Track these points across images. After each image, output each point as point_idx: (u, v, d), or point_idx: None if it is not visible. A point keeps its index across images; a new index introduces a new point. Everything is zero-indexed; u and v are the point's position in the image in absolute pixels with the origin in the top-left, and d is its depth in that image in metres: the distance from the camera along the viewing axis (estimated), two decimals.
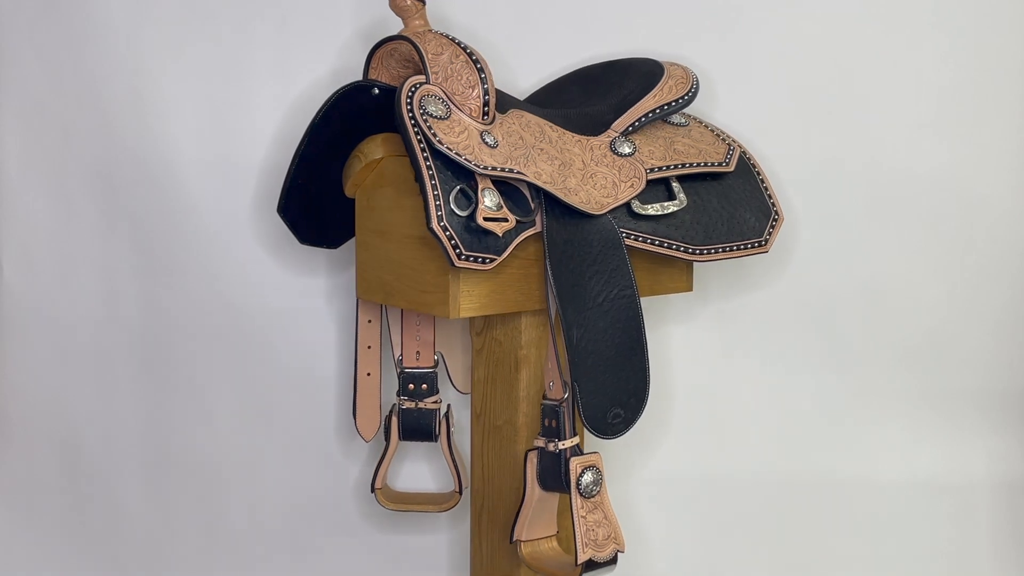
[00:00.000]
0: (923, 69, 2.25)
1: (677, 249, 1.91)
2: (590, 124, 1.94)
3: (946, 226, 2.28)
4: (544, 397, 1.84)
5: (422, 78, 1.81)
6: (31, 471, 2.34)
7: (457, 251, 1.73)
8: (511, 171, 1.78)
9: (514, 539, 1.86)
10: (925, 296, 2.30)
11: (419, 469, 2.30)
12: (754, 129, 2.17)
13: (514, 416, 1.91)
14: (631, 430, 1.82)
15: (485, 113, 1.82)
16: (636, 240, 1.88)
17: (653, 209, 1.90)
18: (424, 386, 2.09)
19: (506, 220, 1.76)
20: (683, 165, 1.94)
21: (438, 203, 1.73)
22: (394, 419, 2.09)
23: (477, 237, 1.74)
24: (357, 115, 1.88)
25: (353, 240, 2.04)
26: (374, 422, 2.11)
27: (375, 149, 1.90)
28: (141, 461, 2.31)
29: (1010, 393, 2.34)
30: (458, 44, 1.83)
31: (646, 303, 1.88)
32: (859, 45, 2.24)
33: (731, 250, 1.96)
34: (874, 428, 2.34)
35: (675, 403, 2.32)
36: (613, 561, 1.82)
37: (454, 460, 2.11)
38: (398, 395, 2.09)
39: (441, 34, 1.85)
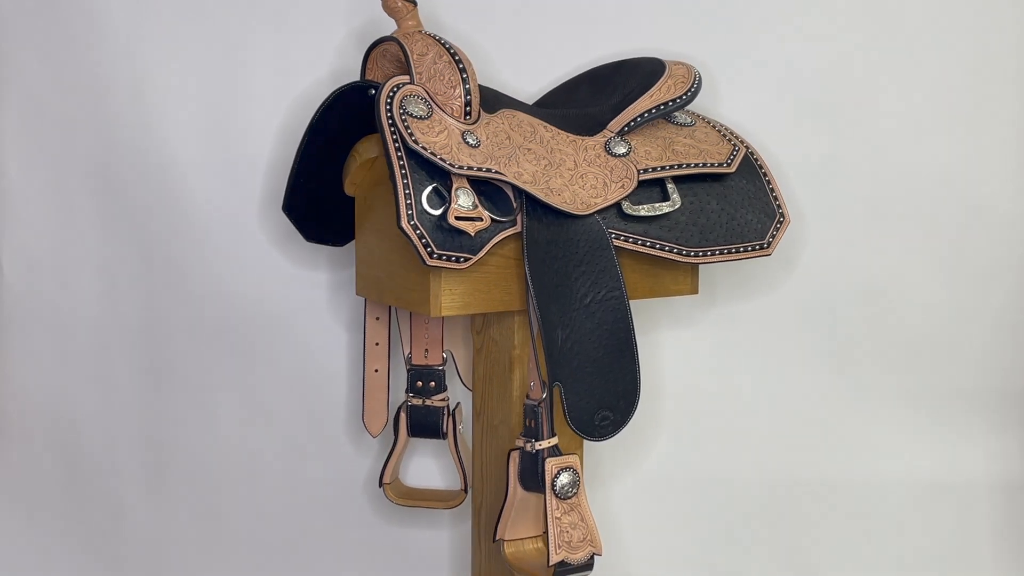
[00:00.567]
0: (924, 69, 2.21)
1: (670, 251, 1.87)
2: (589, 124, 1.92)
3: (946, 226, 2.25)
4: (527, 397, 1.83)
5: (405, 78, 1.82)
6: (31, 471, 2.33)
7: (428, 250, 1.73)
8: (488, 170, 1.78)
9: (497, 538, 1.86)
10: (925, 296, 2.27)
11: (427, 465, 2.31)
12: (761, 129, 2.14)
13: (508, 416, 1.91)
14: (621, 432, 1.79)
15: (467, 113, 1.82)
16: (626, 241, 1.85)
17: (644, 210, 1.87)
18: (432, 383, 2.10)
19: (480, 220, 1.76)
20: (680, 166, 1.90)
21: (408, 202, 1.73)
22: (402, 415, 2.12)
23: (450, 236, 1.75)
24: (354, 115, 1.90)
25: None
26: (381, 417, 2.14)
27: (370, 148, 1.92)
28: (141, 461, 2.31)
29: (1009, 393, 2.32)
30: (443, 44, 1.83)
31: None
32: (859, 45, 2.21)
33: (730, 252, 1.91)
34: (874, 428, 2.31)
35: (674, 403, 2.30)
36: (589, 564, 1.80)
37: (460, 458, 2.13)
38: (407, 391, 2.11)
39: (429, 35, 1.85)
